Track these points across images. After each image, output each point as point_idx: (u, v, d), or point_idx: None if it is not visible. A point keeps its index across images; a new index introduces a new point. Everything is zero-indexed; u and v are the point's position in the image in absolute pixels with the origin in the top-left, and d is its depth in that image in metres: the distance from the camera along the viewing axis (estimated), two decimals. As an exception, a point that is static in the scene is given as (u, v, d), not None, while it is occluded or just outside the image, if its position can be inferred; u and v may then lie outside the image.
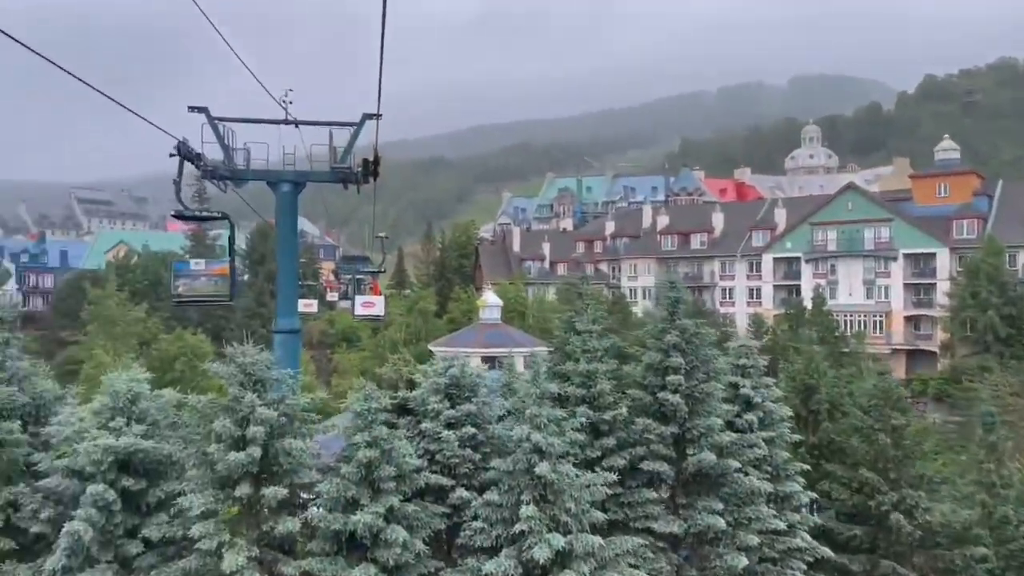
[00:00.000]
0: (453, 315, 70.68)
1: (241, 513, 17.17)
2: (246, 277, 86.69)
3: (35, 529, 16.57)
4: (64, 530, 15.65)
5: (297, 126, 22.05)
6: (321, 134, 21.87)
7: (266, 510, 17.01)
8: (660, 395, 20.75)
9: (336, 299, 56.24)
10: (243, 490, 16.68)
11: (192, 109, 20.86)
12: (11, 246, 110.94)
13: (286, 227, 21.41)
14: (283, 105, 21.58)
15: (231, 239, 19.67)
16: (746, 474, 21.14)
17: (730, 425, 21.70)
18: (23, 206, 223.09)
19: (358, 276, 43.62)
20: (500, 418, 19.85)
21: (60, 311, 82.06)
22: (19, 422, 18.63)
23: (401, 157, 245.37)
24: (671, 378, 20.69)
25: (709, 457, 20.22)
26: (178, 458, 17.53)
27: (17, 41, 9.41)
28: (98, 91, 11.77)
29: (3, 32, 8.78)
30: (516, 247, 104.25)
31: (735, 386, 22.68)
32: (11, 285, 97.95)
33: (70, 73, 10.82)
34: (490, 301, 50.38)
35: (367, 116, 21.65)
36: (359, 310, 34.46)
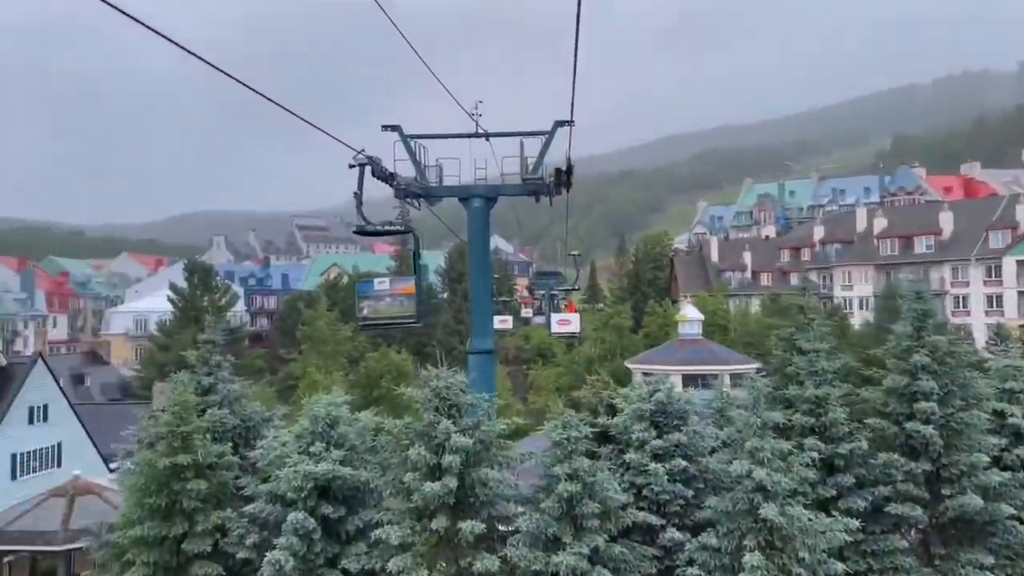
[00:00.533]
0: (649, 330, 68.28)
1: (438, 546, 16.29)
2: (445, 295, 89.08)
3: (241, 555, 16.59)
4: (266, 559, 15.44)
5: (488, 139, 21.23)
6: (512, 146, 20.90)
7: (464, 544, 16.00)
8: (908, 425, 17.63)
9: (531, 315, 55.97)
10: (439, 523, 15.77)
11: (385, 128, 20.60)
12: (240, 271, 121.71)
13: (479, 244, 20.54)
14: (474, 118, 20.84)
15: (415, 255, 18.69)
16: (1021, 522, 17.50)
17: (996, 461, 18.12)
18: (252, 234, 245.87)
19: (552, 292, 42.78)
20: (713, 450, 17.69)
21: (281, 330, 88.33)
22: (230, 444, 18.94)
23: (591, 172, 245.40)
24: (921, 405, 17.52)
25: (974, 501, 16.85)
26: (375, 485, 16.93)
27: (240, 82, 9.40)
28: (313, 125, 12.25)
29: (234, 78, 8.88)
30: (714, 257, 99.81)
31: (1001, 414, 18.98)
32: (240, 307, 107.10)
33: (294, 113, 11.46)
34: (690, 315, 47.75)
35: (559, 124, 20.43)
36: (556, 328, 33.55)
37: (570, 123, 19.08)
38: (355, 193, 16.73)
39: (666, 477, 16.87)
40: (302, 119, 13.23)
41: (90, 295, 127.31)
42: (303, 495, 16.27)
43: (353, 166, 16.37)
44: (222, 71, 9.12)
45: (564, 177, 19.84)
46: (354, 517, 17.05)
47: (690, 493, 16.96)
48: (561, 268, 65.69)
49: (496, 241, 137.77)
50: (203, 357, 20.07)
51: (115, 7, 7.00)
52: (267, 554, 15.50)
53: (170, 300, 74.37)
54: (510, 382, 57.97)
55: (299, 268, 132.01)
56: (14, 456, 39.25)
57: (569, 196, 21.05)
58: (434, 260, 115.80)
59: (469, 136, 21.01)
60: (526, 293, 69.24)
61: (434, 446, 16.45)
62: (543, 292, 44.27)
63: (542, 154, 20.29)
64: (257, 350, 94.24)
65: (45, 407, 41.55)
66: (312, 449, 16.85)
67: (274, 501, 16.74)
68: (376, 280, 17.93)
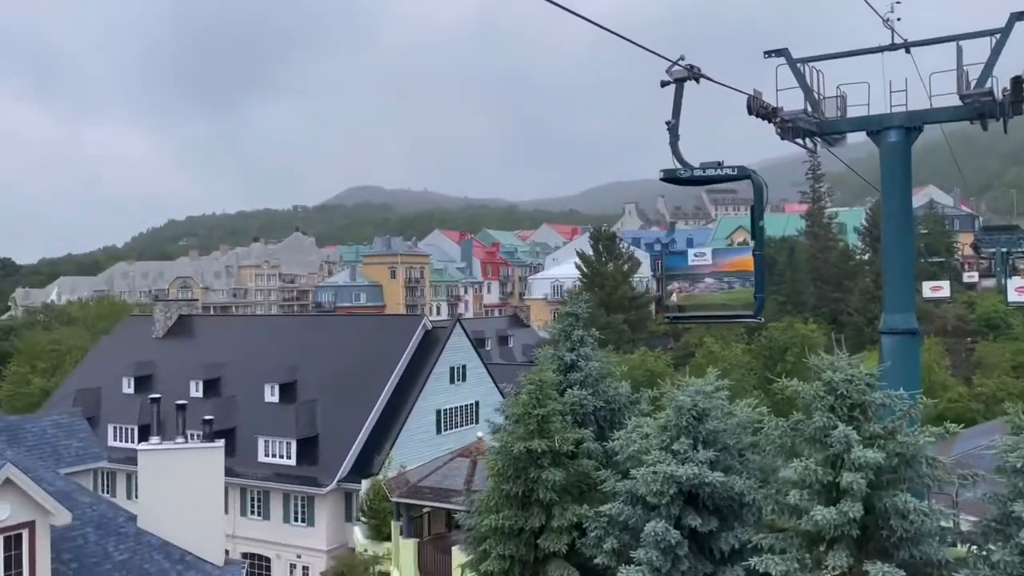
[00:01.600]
0: None
1: (837, 586, 12.50)
2: (867, 256, 79.11)
3: (599, 559, 14.58)
4: (619, 575, 13.16)
5: (908, 50, 16.13)
6: (943, 57, 15.54)
7: (873, 591, 12.00)
8: None
9: (975, 278, 46.25)
10: (837, 559, 12.00)
11: (768, 54, 16.73)
12: (647, 236, 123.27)
13: (895, 192, 15.69)
14: (888, 24, 15.92)
15: (754, 215, 12.49)
16: None
17: None
18: (660, 201, 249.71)
19: (1006, 252, 34.15)
20: None
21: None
22: (592, 429, 17.08)
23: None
24: None
25: None
26: (752, 499, 13.63)
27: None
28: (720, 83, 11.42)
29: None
30: None
31: None
32: (647, 272, 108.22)
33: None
34: None
35: (1017, 16, 14.69)
36: (1013, 296, 26.42)
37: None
38: (667, 123, 12.08)
39: None
40: (719, 83, 11.29)
41: (517, 263, 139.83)
42: (664, 501, 13.64)
43: (667, 83, 12.02)
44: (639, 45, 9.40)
45: (1025, 88, 14.14)
46: (729, 534, 13.97)
47: None
48: (1017, 222, 53.42)
49: (931, 192, 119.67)
50: (565, 331, 18.46)
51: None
52: (620, 570, 13.19)
53: (576, 267, 77.20)
54: (948, 359, 48.60)
55: (705, 232, 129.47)
56: (438, 412, 43.30)
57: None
58: (854, 217, 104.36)
59: (881, 50, 16.15)
60: (970, 252, 57.87)
61: (829, 458, 12.62)
62: (993, 251, 35.70)
63: (991, 61, 14.71)
64: (662, 316, 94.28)
65: (463, 367, 45.08)
66: (675, 446, 14.10)
67: (634, 503, 14.38)
68: (693, 252, 12.68)
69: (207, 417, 19.81)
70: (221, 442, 19.26)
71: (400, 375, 42.87)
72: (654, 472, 13.55)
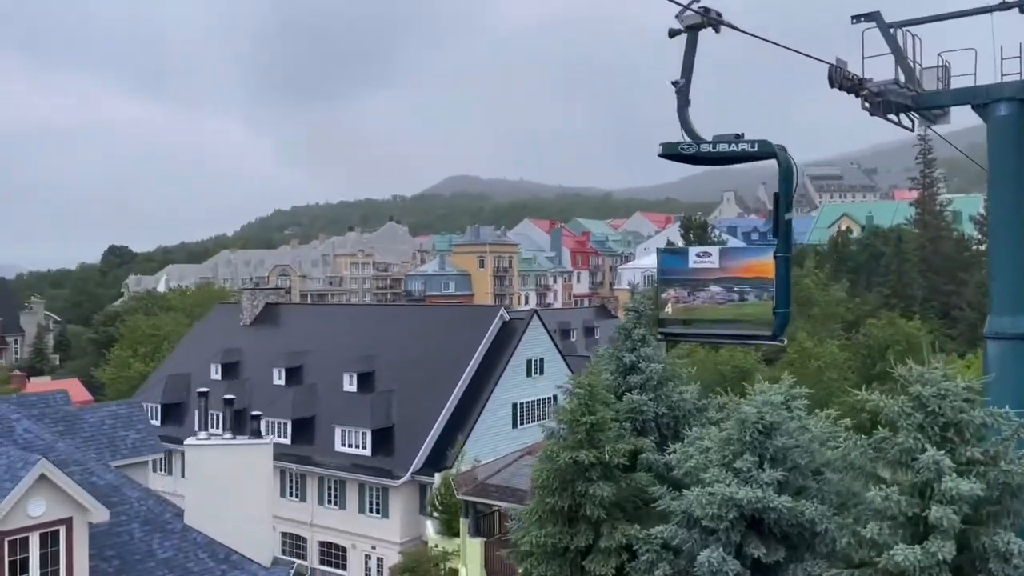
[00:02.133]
0: None
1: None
2: (984, 247, 73.26)
3: (650, 586, 13.13)
4: (668, 607, 11.72)
5: (1022, 10, 13.88)
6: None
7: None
8: None
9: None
10: (924, 606, 10.22)
11: (857, 18, 14.72)
12: (743, 225, 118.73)
13: (1005, 173, 13.51)
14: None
15: (780, 200, 9.31)
16: None
17: None
18: (761, 188, 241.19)
19: None
20: None
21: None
22: (654, 438, 15.57)
23: None
24: None
25: None
26: (824, 528, 11.90)
27: None
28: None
29: None
30: None
31: None
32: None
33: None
34: None
35: None
36: None
37: None
38: (674, 83, 9.34)
39: None
40: (745, 32, 9.46)
41: (608, 252, 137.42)
42: (723, 525, 12.08)
43: (676, 32, 9.58)
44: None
45: None
46: (798, 566, 12.29)
47: None
48: None
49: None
50: (625, 329, 16.91)
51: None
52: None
53: (666, 257, 74.74)
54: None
55: (807, 220, 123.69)
56: (515, 405, 42.29)
57: None
58: (971, 205, 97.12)
59: (990, 10, 13.94)
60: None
61: (917, 485, 10.80)
62: None
63: None
64: (656, 331, 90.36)
65: (541, 360, 43.90)
66: (738, 464, 12.49)
67: (690, 525, 12.86)
68: (695, 252, 9.61)
69: (255, 413, 19.24)
70: (270, 438, 18.70)
71: (476, 367, 42.09)
72: (711, 493, 12.00)
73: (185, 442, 18.31)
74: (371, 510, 39.19)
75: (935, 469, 10.33)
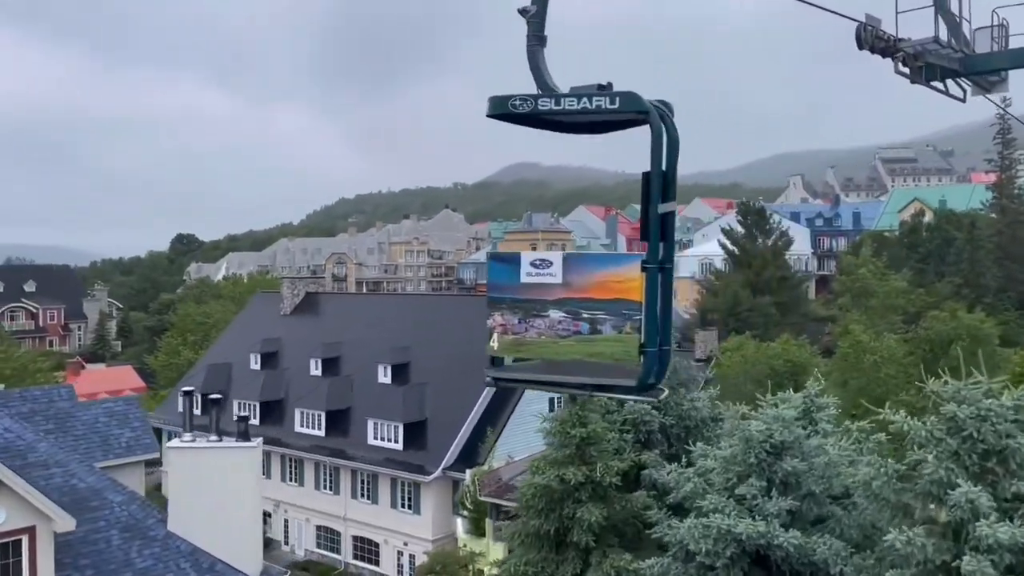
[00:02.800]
0: None
1: None
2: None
3: (641, 624, 11.51)
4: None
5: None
6: None
7: None
8: None
9: None
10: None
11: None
12: (806, 211, 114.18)
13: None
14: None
15: (652, 182, 5.45)
16: None
17: None
18: (830, 172, 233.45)
19: None
20: None
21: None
22: (661, 451, 13.89)
23: None
24: None
25: None
26: (839, 570, 10.12)
27: None
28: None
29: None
30: None
31: None
32: (805, 248, 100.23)
33: None
34: None
35: None
36: None
37: None
38: (521, 11, 6.07)
39: None
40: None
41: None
42: (722, 562, 10.40)
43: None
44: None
45: None
46: (808, 609, 10.52)
47: None
48: None
49: None
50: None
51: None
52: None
53: (720, 244, 71.93)
54: None
55: (876, 204, 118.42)
56: (551, 400, 40.72)
57: None
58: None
59: (1055, -44, 11.73)
60: None
61: (951, 524, 8.94)
62: None
63: None
64: (822, 297, 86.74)
65: (581, 354, 42.23)
66: (742, 489, 10.76)
67: (687, 558, 11.19)
68: (528, 259, 6.01)
69: (241, 414, 18.16)
70: (258, 441, 17.64)
71: (513, 360, 40.73)
72: (706, 525, 10.32)
73: (167, 444, 17.40)
74: (403, 505, 38.28)
75: (970, 509, 8.46)
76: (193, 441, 17.36)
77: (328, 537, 41.39)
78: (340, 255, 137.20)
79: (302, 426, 42.28)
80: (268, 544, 34.89)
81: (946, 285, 58.38)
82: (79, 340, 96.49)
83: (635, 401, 9.41)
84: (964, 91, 13.66)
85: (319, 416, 41.58)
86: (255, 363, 48.05)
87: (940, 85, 12.71)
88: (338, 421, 41.49)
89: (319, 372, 45.01)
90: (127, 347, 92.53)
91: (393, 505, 38.56)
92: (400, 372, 42.12)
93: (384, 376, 42.20)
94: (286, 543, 42.69)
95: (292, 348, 48.22)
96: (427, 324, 44.67)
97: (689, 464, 11.96)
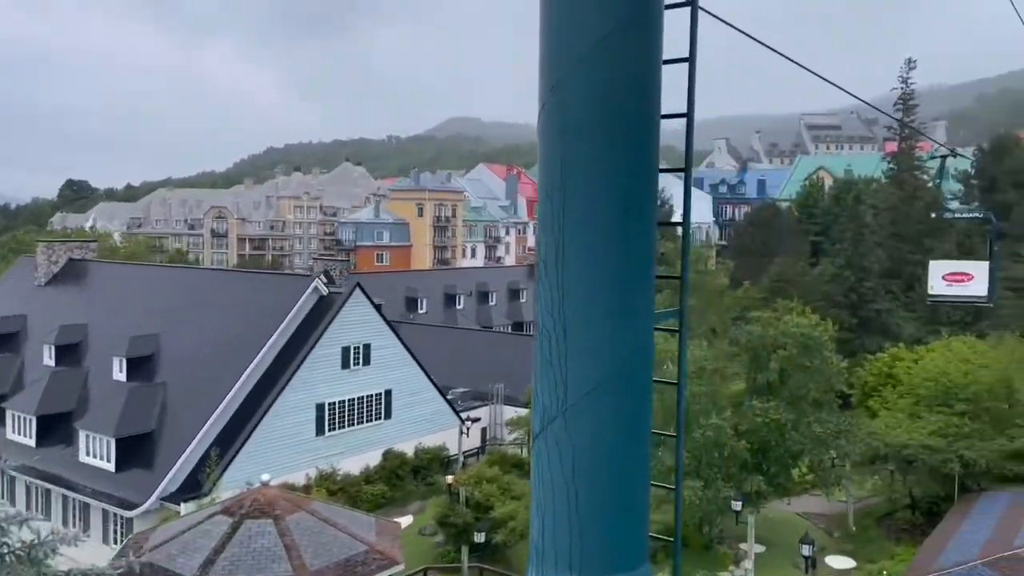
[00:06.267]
0: None
1: None
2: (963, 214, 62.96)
3: None
4: None
5: None
6: None
7: None
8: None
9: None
10: None
11: None
12: (710, 177, 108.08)
13: None
14: None
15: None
16: None
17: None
18: (756, 137, 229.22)
19: None
20: None
21: (737, 248, 73.10)
22: None
23: None
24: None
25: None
26: None
27: None
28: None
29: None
30: None
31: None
32: (706, 216, 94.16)
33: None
34: None
35: None
36: None
37: None
38: None
39: None
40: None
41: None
42: None
43: None
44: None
45: None
46: None
47: None
48: None
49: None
50: None
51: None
52: None
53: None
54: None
55: (782, 172, 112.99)
56: (320, 406, 32.78)
57: None
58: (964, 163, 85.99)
59: None
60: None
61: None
62: None
63: None
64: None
65: (366, 347, 34.35)
66: None
67: None
68: None
69: None
70: None
71: (275, 356, 32.64)
72: None
73: None
74: (116, 543, 30.12)
75: None
76: None
77: None
78: (220, 209, 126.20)
79: (14, 432, 33.62)
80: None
81: (829, 267, 52.31)
82: None
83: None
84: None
85: (30, 420, 32.93)
86: (-14, 347, 38.92)
87: None
88: (54, 429, 32.90)
89: (51, 362, 36.23)
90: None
91: (106, 542, 30.36)
92: (140, 366, 33.65)
93: (119, 372, 33.68)
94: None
95: (36, 329, 39.24)
96: (189, 305, 36.15)
97: None
